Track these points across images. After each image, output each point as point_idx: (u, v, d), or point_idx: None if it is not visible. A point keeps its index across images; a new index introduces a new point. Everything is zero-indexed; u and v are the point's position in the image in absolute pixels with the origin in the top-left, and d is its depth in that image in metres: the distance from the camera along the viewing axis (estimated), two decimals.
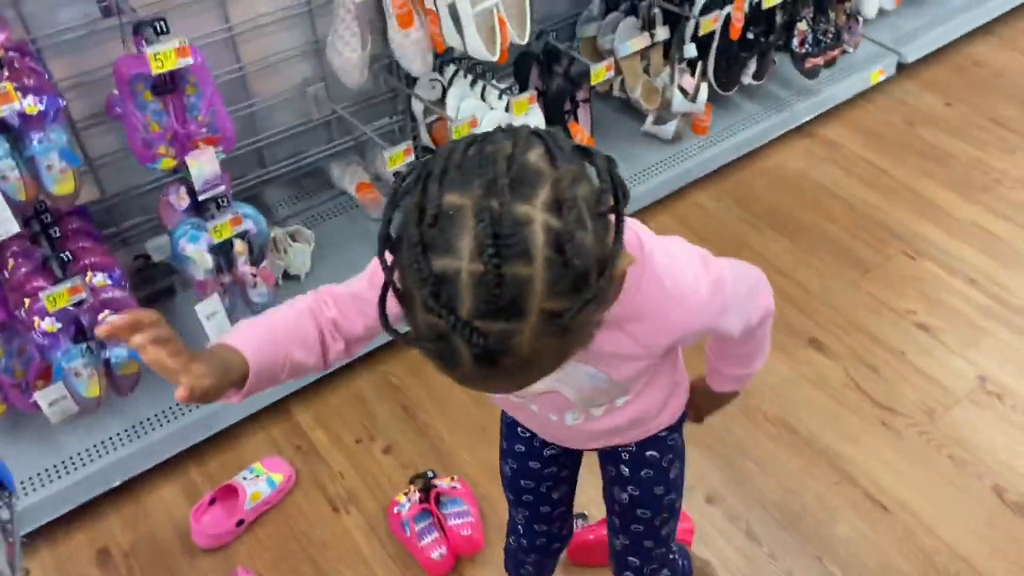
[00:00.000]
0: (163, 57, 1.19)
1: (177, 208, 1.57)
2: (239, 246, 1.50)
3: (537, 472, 1.12)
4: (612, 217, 0.64)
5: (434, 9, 1.63)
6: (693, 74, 2.02)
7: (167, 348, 0.70)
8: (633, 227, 0.78)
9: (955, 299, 1.88)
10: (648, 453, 1.03)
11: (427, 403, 1.74)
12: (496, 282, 0.58)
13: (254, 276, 1.55)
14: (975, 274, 1.93)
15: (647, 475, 1.04)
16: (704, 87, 2.02)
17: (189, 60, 1.22)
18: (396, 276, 0.64)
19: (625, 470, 1.04)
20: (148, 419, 1.56)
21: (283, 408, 1.72)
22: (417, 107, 1.87)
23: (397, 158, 1.63)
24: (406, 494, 1.53)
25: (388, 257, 0.65)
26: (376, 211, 1.95)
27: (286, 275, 1.79)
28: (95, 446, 1.53)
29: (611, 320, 0.74)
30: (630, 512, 1.07)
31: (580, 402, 0.92)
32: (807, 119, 2.29)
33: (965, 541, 1.47)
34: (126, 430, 1.55)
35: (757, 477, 1.58)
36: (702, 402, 1.09)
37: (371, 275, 0.86)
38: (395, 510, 1.52)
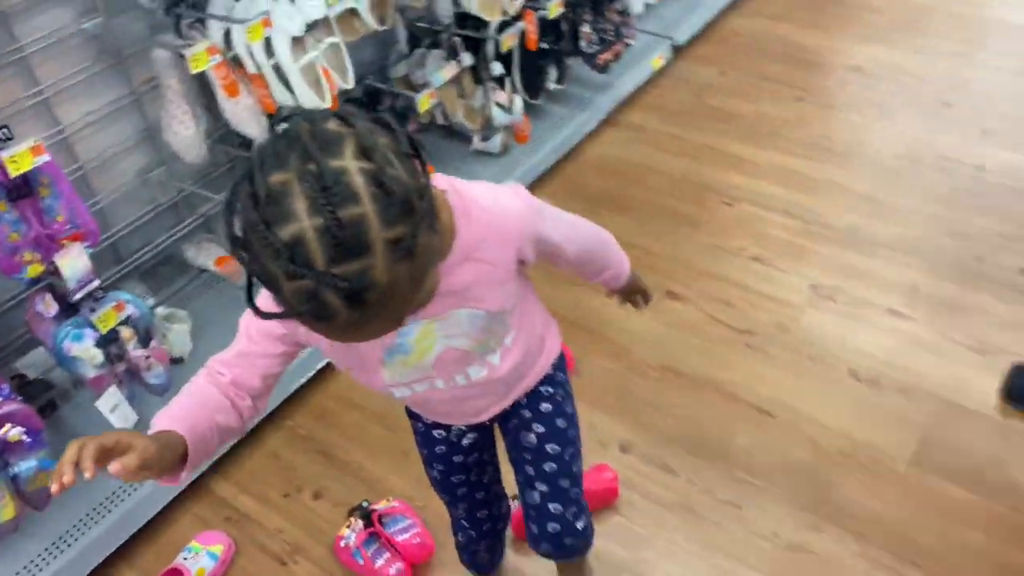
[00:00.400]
0: (18, 159, 1.21)
1: (47, 316, 1.55)
2: (126, 332, 1.50)
3: (462, 464, 1.20)
4: (415, 161, 0.75)
5: (258, 73, 1.72)
6: (504, 89, 2.20)
7: (135, 457, 0.78)
8: (439, 175, 0.88)
9: (775, 229, 2.16)
10: (543, 389, 1.13)
11: (341, 442, 1.79)
12: (337, 227, 0.67)
13: (147, 358, 1.55)
14: (785, 205, 2.22)
15: (547, 409, 1.12)
16: (517, 98, 2.21)
17: (45, 157, 1.25)
18: (259, 268, 0.70)
19: (527, 412, 1.13)
20: (68, 531, 1.52)
21: (202, 487, 1.71)
22: None
23: None
24: (348, 527, 1.58)
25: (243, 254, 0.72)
26: (242, 279, 1.99)
27: (171, 359, 1.79)
28: (18, 573, 1.47)
29: (460, 255, 0.87)
30: (541, 451, 1.12)
31: (476, 348, 0.99)
32: (610, 110, 2.54)
33: (838, 420, 1.70)
34: (47, 548, 1.50)
35: (658, 419, 1.74)
36: (626, 295, 1.24)
37: (245, 330, 0.95)
38: (342, 544, 1.56)
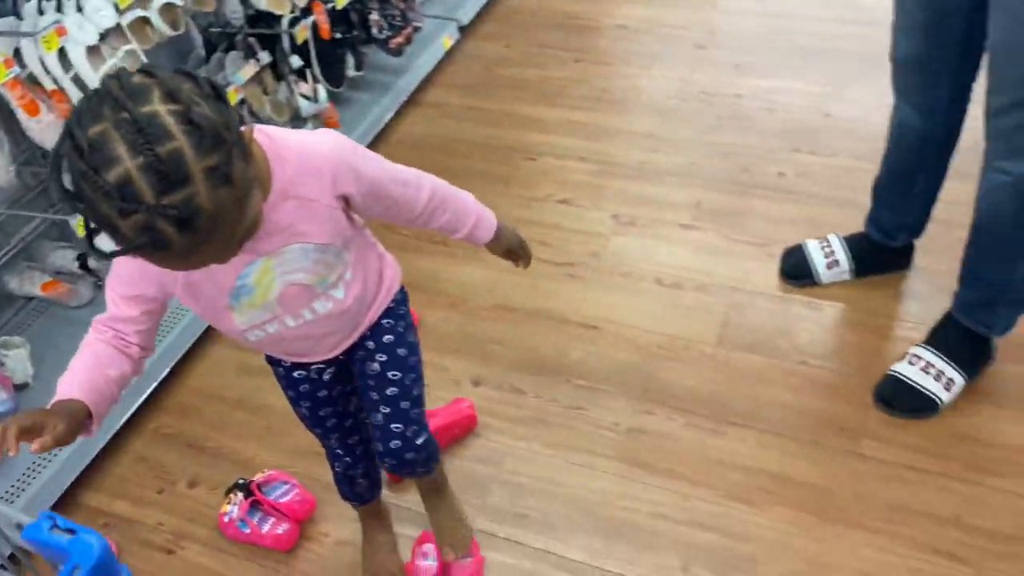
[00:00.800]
0: None
1: None
2: None
3: (328, 398, 1.31)
4: (218, 101, 0.84)
5: (57, 87, 1.73)
6: (306, 80, 2.31)
7: (48, 435, 0.91)
8: (251, 125, 0.97)
9: (574, 175, 2.39)
10: (384, 322, 1.25)
11: (207, 432, 1.84)
12: (157, 163, 0.77)
13: None
14: (580, 153, 2.46)
15: (389, 340, 1.24)
16: (320, 87, 2.32)
17: None
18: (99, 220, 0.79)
19: (371, 344, 1.24)
20: None
21: (72, 501, 1.71)
22: None
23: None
24: (229, 502, 1.65)
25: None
26: (73, 299, 1.98)
27: (15, 386, 1.77)
28: None
29: (279, 195, 0.99)
30: (383, 377, 1.24)
31: (317, 283, 1.09)
32: (411, 91, 2.69)
33: (652, 321, 1.94)
34: None
35: (501, 352, 1.92)
36: (501, 250, 1.35)
37: (110, 299, 1.06)
38: (226, 519, 1.63)
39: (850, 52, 2.63)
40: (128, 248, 0.81)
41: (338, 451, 1.40)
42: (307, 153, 1.02)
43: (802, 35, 2.78)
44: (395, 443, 1.24)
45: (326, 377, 1.28)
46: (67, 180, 0.80)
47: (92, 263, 2.00)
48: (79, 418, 0.97)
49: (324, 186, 1.03)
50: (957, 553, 1.48)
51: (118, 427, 1.79)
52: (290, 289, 1.08)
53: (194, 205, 0.79)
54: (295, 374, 1.28)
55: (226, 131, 0.82)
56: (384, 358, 1.24)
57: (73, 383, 1.00)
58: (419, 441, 1.26)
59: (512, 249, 1.36)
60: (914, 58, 1.57)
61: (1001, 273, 1.58)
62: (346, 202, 1.08)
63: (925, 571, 1.46)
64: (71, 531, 0.49)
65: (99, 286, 2.00)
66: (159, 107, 0.79)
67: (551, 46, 2.92)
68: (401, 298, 1.29)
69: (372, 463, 1.45)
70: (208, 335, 2.00)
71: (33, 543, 0.53)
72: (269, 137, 0.99)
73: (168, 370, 1.89)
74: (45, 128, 1.76)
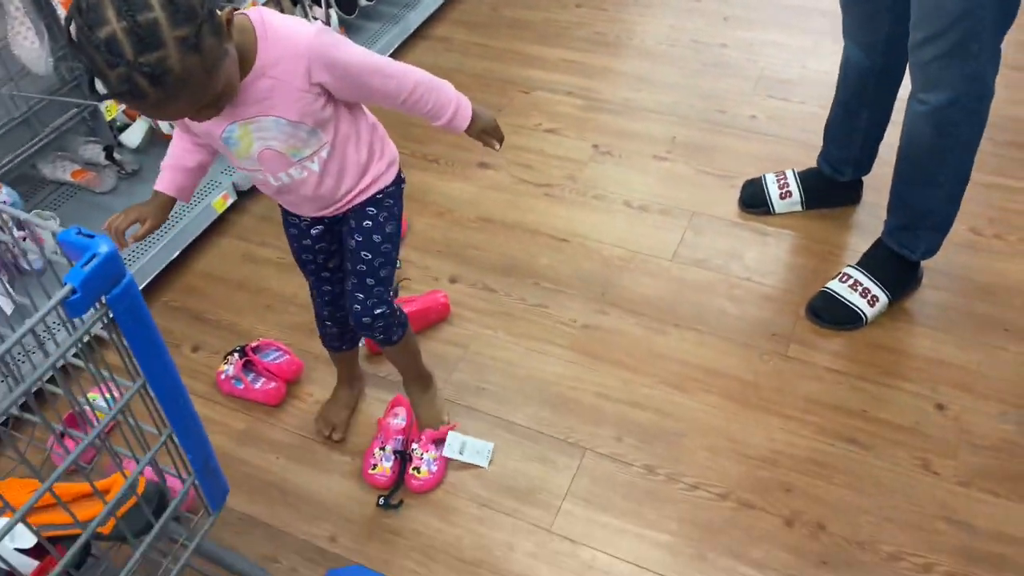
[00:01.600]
0: None
1: None
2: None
3: (310, 247, 1.52)
4: None
5: None
6: (320, 5, 2.50)
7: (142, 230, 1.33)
8: (254, 8, 1.18)
9: (563, 107, 2.58)
10: (368, 210, 1.42)
11: (212, 308, 2.06)
12: (137, 28, 0.96)
13: (23, 239, 1.77)
14: (570, 88, 2.64)
15: (367, 225, 1.42)
16: (333, 13, 2.51)
17: None
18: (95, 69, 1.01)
19: (352, 223, 1.43)
20: None
21: None
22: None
23: (112, 109, 1.94)
24: (226, 362, 1.87)
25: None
26: (99, 186, 2.20)
27: None
28: None
29: (259, 71, 1.17)
30: (356, 255, 1.44)
31: (290, 152, 1.27)
32: (419, 24, 2.88)
33: (617, 237, 2.14)
34: None
35: (477, 256, 2.12)
36: (476, 132, 1.46)
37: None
38: (222, 376, 1.86)
39: (832, 12, 2.77)
40: (113, 94, 1.03)
41: (313, 290, 1.62)
42: (289, 40, 1.18)
43: None
44: (356, 307, 1.47)
45: (313, 232, 1.49)
46: (73, 32, 1.01)
47: (116, 155, 2.21)
48: (166, 207, 1.38)
49: (299, 71, 1.19)
50: (858, 439, 1.68)
51: None
52: (266, 152, 1.27)
53: (165, 66, 0.99)
54: (290, 218, 1.49)
55: (200, 9, 1.00)
56: (360, 239, 1.44)
57: (163, 180, 1.38)
58: (376, 311, 1.47)
59: (486, 130, 1.47)
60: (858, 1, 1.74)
61: (922, 199, 1.77)
62: (322, 88, 1.23)
63: (828, 452, 1.67)
64: (91, 236, 0.68)
65: (122, 176, 2.22)
66: None
67: None
68: (392, 193, 1.45)
69: (342, 317, 1.63)
70: (215, 227, 2.22)
71: (63, 243, 0.71)
72: (262, 20, 1.17)
73: (178, 253, 2.11)
74: None
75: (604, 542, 1.56)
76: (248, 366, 1.85)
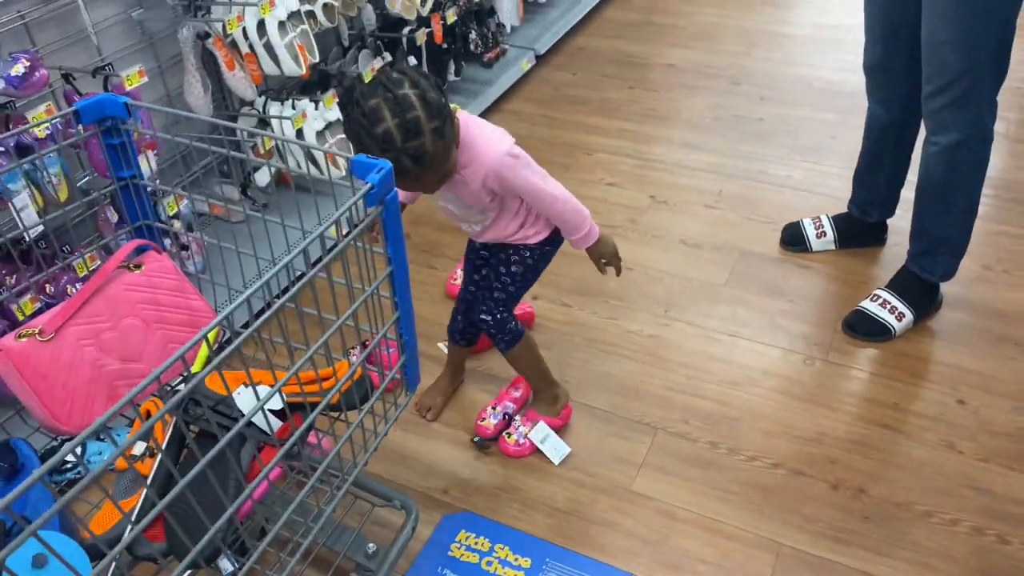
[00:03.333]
0: (131, 79, 1.81)
1: (112, 221, 2.12)
2: (176, 224, 2.09)
3: (474, 251, 1.91)
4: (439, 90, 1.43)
5: (250, 51, 2.37)
6: None
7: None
8: (462, 111, 1.59)
9: (622, 166, 2.97)
10: (510, 251, 1.79)
11: None
12: (406, 123, 1.37)
13: (191, 245, 2.14)
14: (629, 152, 3.05)
15: (503, 258, 1.80)
16: None
17: (143, 79, 1.86)
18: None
19: (493, 260, 1.83)
20: None
21: None
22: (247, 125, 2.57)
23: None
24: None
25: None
26: (233, 217, 2.59)
27: None
28: None
29: (458, 166, 1.55)
30: (484, 276, 1.87)
31: (461, 214, 1.71)
32: (495, 99, 3.32)
33: (676, 268, 2.48)
34: None
35: (556, 280, 2.46)
36: (595, 256, 1.81)
37: None
38: None
39: (855, 93, 3.20)
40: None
41: (462, 288, 1.98)
42: (480, 151, 1.54)
43: (815, 79, 3.38)
44: (465, 307, 1.92)
45: (476, 245, 1.90)
46: (350, 128, 1.41)
47: (249, 192, 2.61)
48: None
49: (478, 176, 1.57)
50: (891, 424, 1.97)
51: None
52: (447, 208, 1.73)
53: (423, 148, 1.39)
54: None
55: (444, 107, 1.42)
56: (494, 263, 1.83)
57: None
58: (482, 316, 1.83)
59: (604, 256, 1.82)
60: (877, 64, 2.14)
61: (938, 227, 2.10)
62: (492, 191, 1.62)
63: (866, 434, 1.95)
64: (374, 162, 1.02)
65: (254, 209, 2.61)
66: (409, 91, 1.38)
67: (610, 76, 3.55)
68: (533, 249, 1.79)
69: (467, 319, 1.98)
70: None
71: (356, 163, 1.05)
72: (466, 125, 1.54)
73: None
74: (237, 81, 2.40)
75: (675, 498, 1.84)
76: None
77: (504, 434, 1.97)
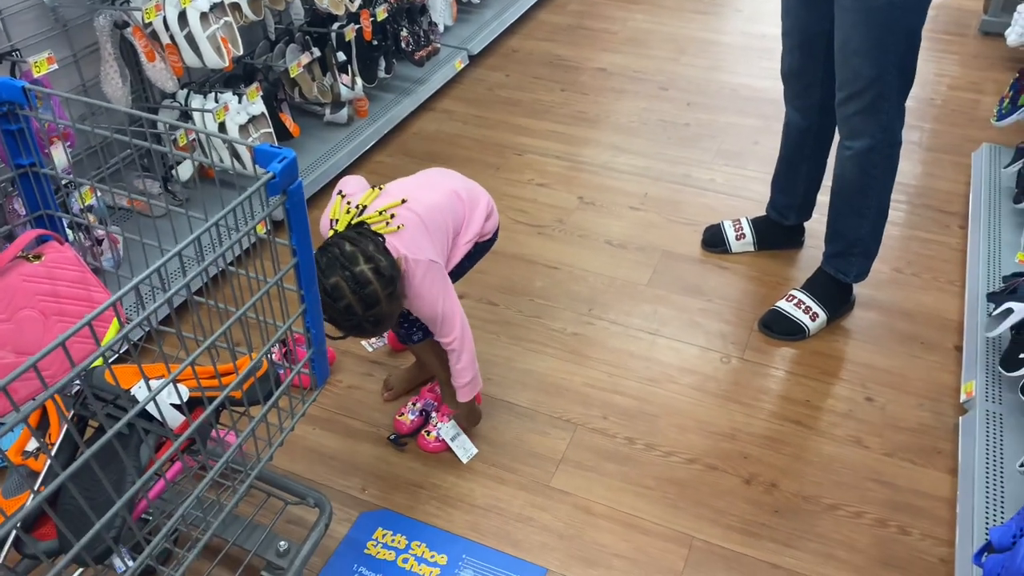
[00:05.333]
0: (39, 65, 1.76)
1: (20, 213, 2.05)
2: (91, 217, 2.04)
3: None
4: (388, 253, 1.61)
5: (171, 42, 2.32)
6: (347, 73, 2.92)
7: None
8: (405, 254, 1.66)
9: (552, 167, 3.00)
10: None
11: None
12: (365, 298, 1.56)
13: (101, 240, 2.08)
14: (558, 153, 3.07)
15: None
16: (358, 79, 2.93)
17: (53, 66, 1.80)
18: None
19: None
20: None
21: None
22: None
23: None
24: None
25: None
26: (152, 211, 2.53)
27: None
28: None
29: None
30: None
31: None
32: (426, 98, 3.32)
33: (600, 267, 2.51)
34: None
35: (482, 278, 2.47)
36: (462, 413, 1.94)
37: None
38: None
39: (779, 100, 3.28)
40: (346, 333, 1.64)
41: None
42: (416, 295, 1.71)
43: (741, 87, 3.46)
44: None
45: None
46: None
47: (169, 187, 2.56)
48: None
49: (417, 308, 1.76)
50: (802, 421, 2.03)
51: None
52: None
53: (381, 313, 1.59)
54: None
55: (395, 272, 1.60)
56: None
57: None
58: (407, 328, 1.89)
59: (469, 417, 1.96)
60: (794, 71, 2.20)
61: (852, 228, 2.17)
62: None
63: (778, 430, 2.00)
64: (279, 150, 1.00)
65: (173, 204, 2.56)
66: (364, 267, 1.56)
67: (542, 78, 3.58)
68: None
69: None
70: None
71: (259, 152, 1.04)
72: (406, 263, 1.67)
73: None
74: (158, 72, 2.35)
75: (592, 493, 1.86)
76: (287, 356, 2.14)
77: (423, 431, 1.96)
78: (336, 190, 1.83)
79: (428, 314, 1.76)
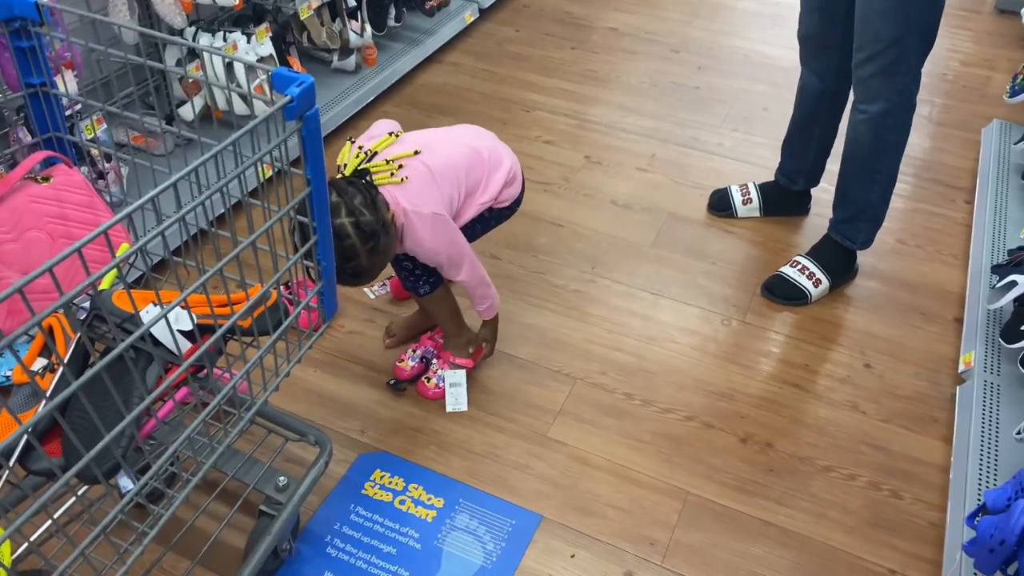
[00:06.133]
0: None
1: (24, 142, 2.03)
2: (94, 150, 2.02)
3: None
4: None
5: None
6: (356, 19, 2.88)
7: None
8: (406, 207, 1.67)
9: (559, 125, 2.97)
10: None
11: None
12: (344, 251, 1.55)
13: (107, 172, 2.07)
14: (566, 111, 3.05)
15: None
16: (367, 26, 2.89)
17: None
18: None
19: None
20: None
21: None
22: (170, 61, 2.48)
23: None
24: None
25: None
26: (156, 148, 2.50)
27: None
28: None
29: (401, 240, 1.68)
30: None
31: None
32: (435, 50, 3.28)
33: (605, 227, 2.51)
34: None
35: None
36: (485, 331, 2.00)
37: None
38: None
39: (791, 69, 3.26)
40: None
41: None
42: (413, 237, 1.71)
43: (753, 53, 3.42)
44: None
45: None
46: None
47: (173, 125, 2.53)
48: None
49: (413, 250, 1.75)
50: (800, 384, 2.04)
51: None
52: None
53: (361, 267, 1.60)
54: None
55: (379, 228, 1.59)
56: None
57: None
58: (403, 262, 1.85)
59: (484, 338, 2.01)
60: (812, 33, 2.17)
61: (861, 194, 2.16)
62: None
63: (776, 392, 2.02)
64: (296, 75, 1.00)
65: (177, 143, 2.53)
66: (344, 219, 1.55)
67: (552, 35, 3.54)
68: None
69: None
70: None
71: (276, 76, 1.02)
72: (405, 216, 1.68)
73: None
74: (167, 7, 2.31)
75: (589, 445, 1.87)
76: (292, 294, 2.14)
77: (423, 378, 1.97)
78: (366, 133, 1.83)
79: (433, 262, 1.77)
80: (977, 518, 1.40)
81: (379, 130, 1.82)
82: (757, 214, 2.54)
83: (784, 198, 2.52)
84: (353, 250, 1.56)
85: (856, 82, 2.02)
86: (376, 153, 1.70)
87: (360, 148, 1.71)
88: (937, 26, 1.92)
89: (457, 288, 1.95)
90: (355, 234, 1.56)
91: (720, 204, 2.56)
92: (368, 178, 1.65)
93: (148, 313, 1.18)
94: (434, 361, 1.99)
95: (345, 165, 1.69)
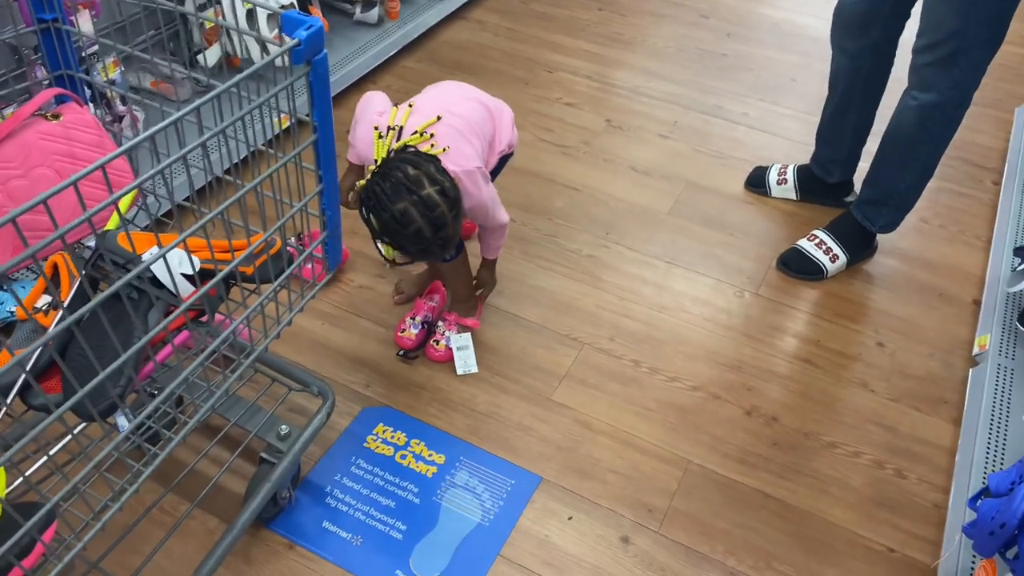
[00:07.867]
0: None
1: (43, 82, 2.02)
2: (110, 93, 2.01)
3: None
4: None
5: None
6: None
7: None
8: (455, 170, 1.64)
9: (582, 88, 2.93)
10: None
11: None
12: (434, 220, 1.55)
13: (123, 117, 2.06)
14: (589, 73, 3.00)
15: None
16: None
17: None
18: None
19: None
20: None
21: None
22: (191, 7, 2.46)
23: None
24: None
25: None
26: (175, 95, 2.49)
27: None
28: None
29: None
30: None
31: None
32: (459, 5, 3.23)
33: (623, 192, 2.48)
34: None
35: (501, 193, 2.44)
36: (484, 272, 2.04)
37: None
38: None
39: (821, 38, 3.18)
40: (413, 258, 1.73)
41: None
42: (472, 198, 1.70)
43: (784, 21, 3.35)
44: None
45: None
46: (376, 226, 1.59)
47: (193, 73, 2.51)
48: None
49: (471, 207, 1.73)
50: (811, 360, 2.02)
51: None
52: None
53: (449, 235, 1.59)
54: None
55: (458, 192, 1.61)
56: None
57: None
58: None
59: (485, 281, 2.06)
60: (857, 7, 2.07)
61: (893, 179, 2.10)
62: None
63: (785, 366, 1.99)
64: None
65: (197, 90, 2.52)
66: (430, 190, 1.54)
67: None
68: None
69: None
70: None
71: (286, 18, 1.01)
72: (456, 178, 1.65)
73: None
74: None
75: (593, 410, 1.87)
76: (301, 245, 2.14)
77: (432, 342, 1.96)
78: (360, 108, 1.79)
79: (480, 214, 1.79)
80: (979, 500, 1.39)
81: (376, 106, 1.78)
82: (793, 196, 2.46)
83: (819, 187, 2.44)
84: (443, 219, 1.55)
85: (912, 67, 1.93)
86: (402, 127, 1.68)
87: (377, 128, 1.68)
88: (1008, 21, 1.80)
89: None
90: (443, 202, 1.55)
91: (756, 180, 2.50)
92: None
93: (151, 255, 1.18)
94: (440, 324, 1.98)
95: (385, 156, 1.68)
